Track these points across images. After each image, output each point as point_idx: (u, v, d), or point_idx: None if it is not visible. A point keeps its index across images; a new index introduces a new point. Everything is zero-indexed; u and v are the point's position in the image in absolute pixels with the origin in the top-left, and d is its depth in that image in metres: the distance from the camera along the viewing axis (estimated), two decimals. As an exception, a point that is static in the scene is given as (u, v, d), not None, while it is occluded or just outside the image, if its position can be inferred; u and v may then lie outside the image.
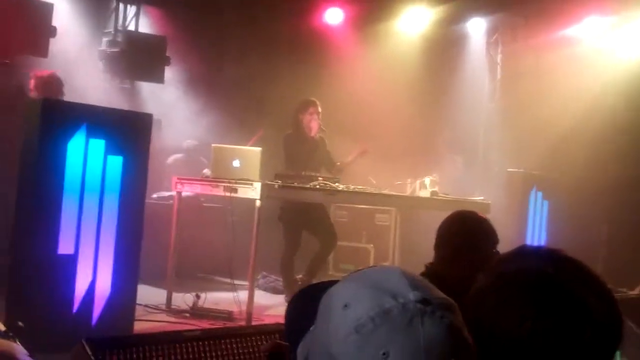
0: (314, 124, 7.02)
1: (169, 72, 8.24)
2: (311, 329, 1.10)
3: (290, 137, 7.06)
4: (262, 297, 6.77)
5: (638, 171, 8.52)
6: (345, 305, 1.02)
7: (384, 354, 0.97)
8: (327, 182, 6.52)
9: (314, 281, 7.25)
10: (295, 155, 6.99)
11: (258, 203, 5.84)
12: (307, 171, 6.73)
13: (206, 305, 6.09)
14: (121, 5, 8.31)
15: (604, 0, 8.71)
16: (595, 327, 1.21)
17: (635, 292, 7.72)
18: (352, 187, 6.78)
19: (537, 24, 9.35)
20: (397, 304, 0.99)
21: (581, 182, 8.67)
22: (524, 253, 1.36)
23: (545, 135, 8.80)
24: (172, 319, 5.91)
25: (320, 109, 7.04)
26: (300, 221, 7.00)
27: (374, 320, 0.99)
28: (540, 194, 8.55)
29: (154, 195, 7.39)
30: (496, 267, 1.35)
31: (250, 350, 2.97)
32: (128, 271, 5.14)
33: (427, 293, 1.02)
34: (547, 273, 1.26)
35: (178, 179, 6.50)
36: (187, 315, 6.01)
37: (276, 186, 6.10)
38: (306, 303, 1.14)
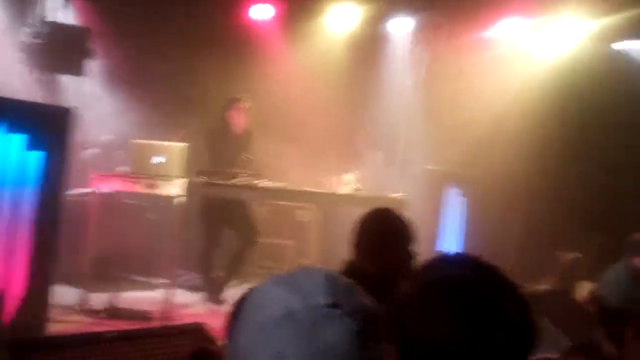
0: (240, 120, 7.01)
1: (94, 66, 8.05)
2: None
3: (213, 131, 7.03)
4: (180, 296, 6.72)
5: (550, 167, 8.86)
6: (258, 305, 1.05)
7: (279, 352, 0.98)
8: (249, 179, 6.54)
9: (234, 279, 7.31)
10: (218, 151, 6.96)
11: (179, 200, 5.81)
12: (231, 167, 6.73)
13: (124, 305, 6.01)
14: (44, -5, 8.07)
15: (522, 2, 8.99)
16: (511, 331, 1.28)
17: (545, 286, 8.06)
18: (275, 183, 6.82)
19: (459, 25, 9.56)
20: (304, 306, 1.01)
21: (498, 180, 8.95)
22: (445, 260, 1.42)
23: (465, 133, 9.02)
24: (88, 320, 5.83)
25: (247, 106, 7.04)
26: (221, 217, 6.99)
27: (278, 321, 1.00)
28: (457, 192, 8.79)
29: (71, 191, 7.24)
30: (419, 274, 1.40)
31: (171, 350, 2.98)
32: (43, 270, 5.04)
33: (342, 298, 1.03)
34: (467, 280, 1.33)
35: (96, 174, 6.39)
36: (103, 315, 5.92)
37: (198, 182, 6.08)
38: (241, 302, 1.16)
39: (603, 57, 9.39)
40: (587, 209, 8.80)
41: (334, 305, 1.01)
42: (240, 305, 1.15)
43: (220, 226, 7.03)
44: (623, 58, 9.52)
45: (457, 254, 1.46)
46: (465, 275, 1.34)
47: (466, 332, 1.27)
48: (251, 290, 1.14)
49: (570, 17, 9.03)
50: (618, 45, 9.54)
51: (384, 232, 3.03)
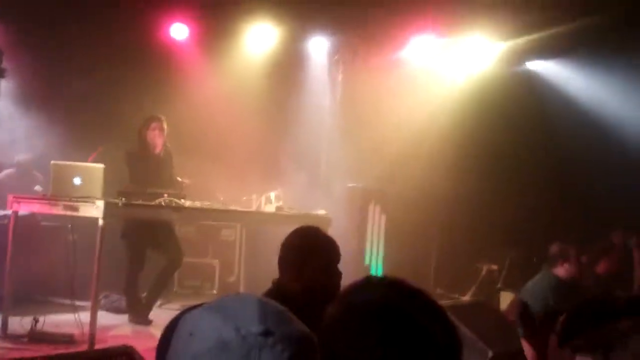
0: (157, 140, 6.95)
1: (5, 86, 7.83)
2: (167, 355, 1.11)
3: (132, 154, 6.94)
4: (105, 318, 6.60)
5: (466, 183, 9.15)
6: (191, 334, 1.03)
7: None
8: (173, 199, 6.48)
9: (160, 299, 7.20)
10: (139, 171, 6.87)
11: (101, 222, 5.71)
12: (153, 188, 6.66)
13: (46, 329, 5.83)
14: (-50, 14, 7.82)
15: (433, 21, 9.27)
16: (436, 350, 1.30)
17: (466, 298, 8.29)
18: (199, 203, 6.78)
19: (373, 45, 9.79)
20: (237, 335, 1.00)
21: (415, 196, 9.17)
22: (369, 284, 1.42)
23: (383, 152, 9.23)
24: (10, 345, 5.62)
25: (165, 125, 6.99)
26: (145, 238, 6.89)
27: (211, 351, 0.99)
28: (377, 208, 8.95)
29: (-13, 214, 7.01)
30: (343, 298, 1.39)
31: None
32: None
33: (275, 324, 1.02)
34: (392, 303, 1.33)
35: (14, 197, 6.17)
36: (25, 340, 5.72)
37: (120, 204, 5.98)
38: (173, 328, 1.14)
39: (513, 77, 9.82)
40: (500, 224, 9.11)
41: (266, 333, 1.00)
42: (171, 332, 1.13)
43: (145, 247, 6.93)
44: (530, 77, 9.97)
45: (381, 277, 1.46)
46: (389, 298, 1.35)
47: (392, 354, 1.28)
48: (182, 316, 1.12)
49: (481, 38, 9.39)
50: (528, 65, 9.98)
51: (308, 250, 3.04)
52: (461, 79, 9.66)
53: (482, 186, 9.23)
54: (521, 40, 9.29)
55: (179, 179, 7.04)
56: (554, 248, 5.75)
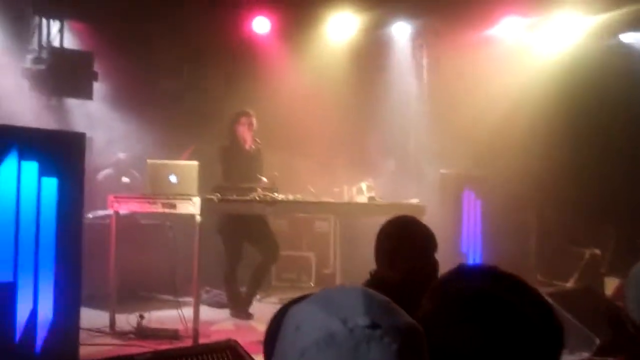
0: (247, 135, 6.98)
1: (98, 88, 8.05)
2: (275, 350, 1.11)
3: (225, 149, 6.99)
4: (207, 313, 6.67)
5: (562, 163, 8.83)
6: (297, 327, 1.03)
7: None
8: (266, 193, 6.49)
9: (258, 293, 7.26)
10: (232, 167, 6.92)
11: (198, 218, 5.77)
12: (245, 183, 6.69)
13: (151, 325, 5.97)
14: (44, 21, 8.07)
15: (520, 3, 8.98)
16: (537, 335, 1.28)
17: (569, 284, 8.00)
18: (291, 196, 6.78)
19: (458, 27, 9.56)
20: (344, 328, 0.99)
21: (511, 179, 8.91)
22: (462, 273, 1.41)
23: (474, 134, 9.00)
24: (118, 342, 5.78)
25: (254, 120, 7.00)
26: (241, 233, 6.94)
27: (319, 344, 0.98)
28: (472, 194, 8.74)
29: (89, 215, 7.19)
30: (438, 289, 1.39)
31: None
32: (69, 295, 5.00)
33: (381, 316, 1.01)
34: (486, 290, 1.33)
35: (114, 197, 6.34)
36: (132, 336, 5.86)
37: (215, 200, 6.04)
38: (279, 322, 1.13)
39: (605, 51, 9.40)
40: (599, 204, 8.76)
41: (373, 326, 1.00)
42: (276, 326, 1.13)
43: (241, 242, 6.98)
44: (625, 50, 9.52)
45: (475, 265, 1.50)
46: (484, 286, 1.34)
47: (492, 342, 1.27)
48: (287, 309, 1.12)
49: (571, 13, 9.03)
50: (620, 38, 9.54)
51: (403, 239, 2.99)
52: (552, 55, 9.30)
53: (578, 165, 8.90)
54: (613, 13, 8.89)
55: (274, 173, 7.04)
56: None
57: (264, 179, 6.88)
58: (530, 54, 9.36)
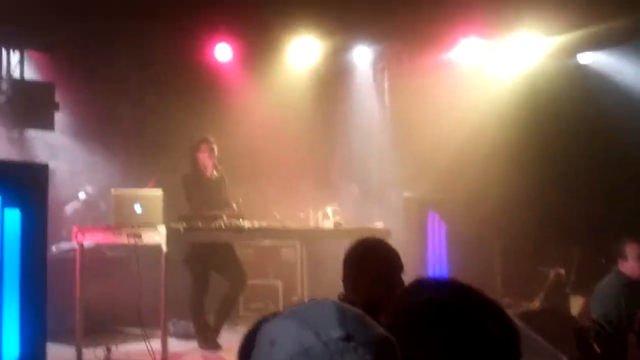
0: (208, 163, 6.94)
1: (59, 118, 7.95)
2: None
3: (188, 177, 6.94)
4: (175, 345, 6.57)
5: (524, 184, 8.95)
6: (272, 342, 1.03)
7: None
8: (232, 220, 6.46)
9: (226, 322, 7.17)
10: (195, 195, 6.87)
11: (164, 248, 5.71)
12: (210, 210, 6.64)
13: (119, 358, 5.86)
14: (4, 52, 7.97)
15: (478, 24, 9.12)
16: (496, 347, 1.30)
17: (536, 304, 8.08)
18: (257, 223, 6.74)
19: (419, 50, 9.69)
20: (319, 341, 1.00)
21: (474, 201, 9.00)
22: (422, 285, 1.43)
23: (436, 158, 9.08)
24: (86, 377, 5.67)
25: (215, 147, 6.97)
26: (207, 262, 6.86)
27: (294, 358, 0.99)
28: (437, 217, 8.81)
29: (53, 248, 7.07)
30: (398, 302, 1.40)
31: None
32: (35, 330, 4.88)
33: (355, 329, 1.02)
34: (448, 302, 1.34)
35: (78, 228, 6.25)
36: (101, 371, 5.77)
37: (181, 229, 5.99)
38: (252, 338, 1.13)
39: (563, 71, 9.59)
40: (563, 223, 8.88)
41: (347, 338, 1.00)
42: (250, 342, 1.14)
43: (208, 271, 6.90)
44: (583, 71, 9.74)
45: (433, 278, 1.51)
46: (444, 297, 1.36)
47: (458, 354, 1.29)
48: (259, 326, 1.13)
49: (528, 35, 9.21)
50: (579, 58, 9.76)
51: (365, 261, 3.00)
52: (511, 76, 9.46)
53: (540, 186, 9.02)
54: (571, 35, 9.09)
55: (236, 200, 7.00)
56: (620, 245, 5.54)
57: (234, 205, 6.84)
58: (490, 76, 9.52)
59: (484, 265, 8.73)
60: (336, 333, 1.00)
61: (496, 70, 9.56)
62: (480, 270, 8.41)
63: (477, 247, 8.82)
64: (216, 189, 6.98)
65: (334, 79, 9.99)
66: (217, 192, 6.96)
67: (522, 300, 8.35)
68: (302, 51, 9.60)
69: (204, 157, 6.90)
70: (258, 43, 9.32)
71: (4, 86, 7.79)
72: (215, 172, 6.99)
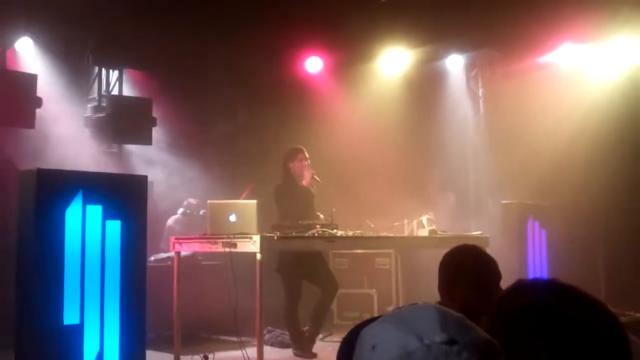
0: (306, 172, 6.90)
1: (156, 133, 8.20)
2: None
3: (281, 187, 6.96)
4: (270, 353, 6.59)
5: (628, 190, 8.56)
6: (373, 347, 1.02)
7: None
8: (326, 229, 6.45)
9: (321, 331, 7.16)
10: (289, 204, 6.89)
11: (259, 256, 5.76)
12: (303, 220, 6.66)
13: (217, 367, 5.94)
14: (103, 71, 8.30)
15: (577, 29, 8.81)
16: (603, 345, 1.26)
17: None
18: (351, 232, 6.71)
19: (514, 56, 9.46)
20: (422, 345, 0.98)
21: (575, 207, 8.68)
22: (521, 288, 1.40)
23: (535, 163, 8.81)
24: (184, 383, 5.77)
25: (308, 156, 6.99)
26: (299, 271, 6.87)
27: None
28: (537, 224, 8.52)
29: (152, 258, 7.27)
30: (498, 306, 1.38)
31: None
32: (135, 337, 5.04)
33: (457, 332, 1.00)
34: (548, 303, 1.31)
35: (176, 238, 6.42)
36: (198, 377, 5.86)
37: (275, 238, 6.02)
38: (352, 343, 1.12)
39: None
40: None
41: (451, 342, 0.99)
42: (349, 347, 1.14)
43: (300, 279, 6.91)
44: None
45: (534, 279, 1.44)
46: (545, 298, 1.33)
47: (561, 354, 1.25)
48: (359, 330, 1.11)
49: (627, 39, 8.83)
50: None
51: (456, 268, 2.93)
52: (611, 78, 9.06)
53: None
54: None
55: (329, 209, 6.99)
56: None
57: (321, 216, 6.83)
58: (589, 79, 9.14)
59: (587, 273, 8.37)
60: (439, 337, 0.99)
61: (595, 72, 9.19)
62: (583, 278, 8.05)
63: (580, 255, 8.49)
64: (308, 198, 6.97)
65: (426, 87, 9.88)
66: (308, 202, 6.96)
67: (629, 309, 7.95)
68: (393, 61, 9.55)
69: (299, 166, 6.90)
70: (348, 55, 9.35)
71: (104, 103, 8.09)
72: (312, 183, 6.95)
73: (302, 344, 6.79)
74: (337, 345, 1.24)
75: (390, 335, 1.01)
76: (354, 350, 1.08)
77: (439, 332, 0.99)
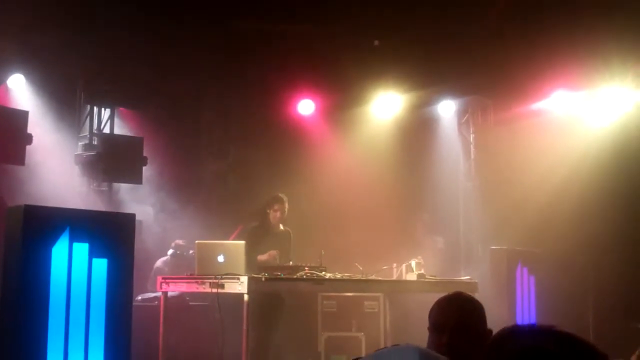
0: (276, 221, 7.19)
1: (146, 172, 8.19)
2: None
3: (255, 228, 7.19)
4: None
5: (618, 238, 8.58)
6: None
7: None
8: (314, 272, 6.43)
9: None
10: (261, 247, 6.97)
11: (246, 297, 5.72)
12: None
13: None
14: (95, 109, 8.31)
15: (569, 76, 8.91)
16: None
17: (633, 361, 7.63)
18: (340, 275, 6.70)
19: (506, 103, 9.56)
20: None
21: (564, 254, 8.69)
22: (518, 332, 1.38)
23: (525, 209, 8.84)
24: None
25: (286, 206, 7.14)
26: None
27: None
28: (525, 270, 8.52)
29: (139, 297, 7.19)
30: (492, 349, 1.36)
31: None
32: (119, 378, 4.95)
33: None
34: (547, 349, 1.29)
35: (163, 278, 6.37)
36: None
37: (263, 279, 5.99)
38: None
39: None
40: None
41: None
42: None
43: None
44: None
45: (530, 325, 1.42)
46: (541, 344, 1.31)
47: None
48: None
49: (618, 88, 8.92)
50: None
51: (460, 316, 2.90)
52: (602, 127, 9.13)
53: (633, 237, 8.61)
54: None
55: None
56: None
57: (290, 262, 6.89)
58: (580, 127, 9.22)
59: (576, 320, 8.34)
60: None
61: (586, 121, 9.26)
62: (572, 325, 7.96)
63: (569, 302, 8.47)
64: (282, 242, 7.14)
65: (417, 131, 9.94)
66: (282, 245, 7.12)
67: (617, 358, 7.91)
68: (385, 105, 9.59)
69: (274, 216, 7.15)
70: (341, 98, 9.41)
71: (95, 141, 8.09)
72: (281, 227, 7.20)
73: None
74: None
75: None
76: None
77: None
